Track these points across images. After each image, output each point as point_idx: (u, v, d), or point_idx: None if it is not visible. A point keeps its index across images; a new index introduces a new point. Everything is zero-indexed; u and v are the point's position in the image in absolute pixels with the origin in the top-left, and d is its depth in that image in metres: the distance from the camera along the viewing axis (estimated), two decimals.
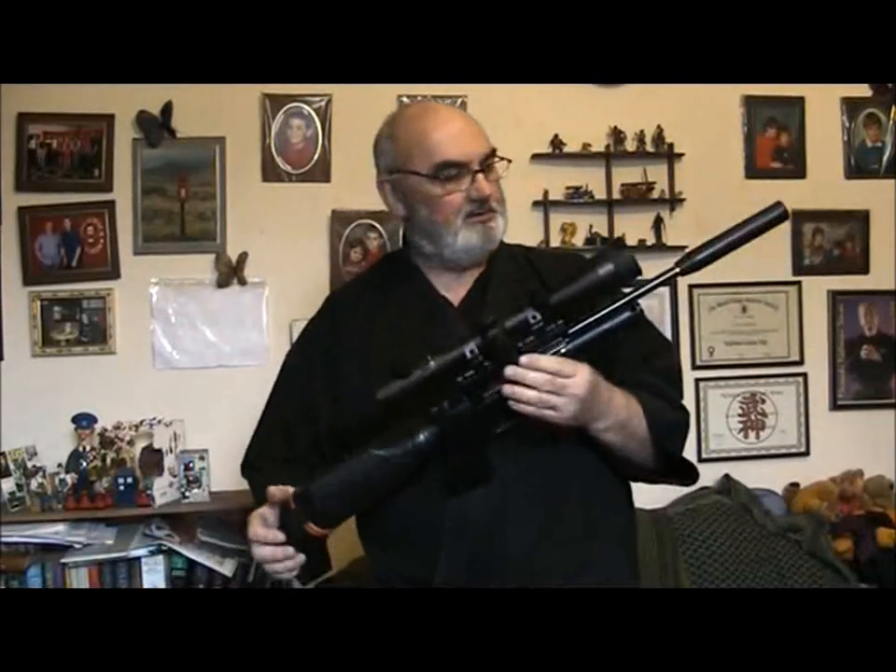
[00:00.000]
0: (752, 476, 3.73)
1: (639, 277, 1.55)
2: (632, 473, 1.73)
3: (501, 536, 1.59)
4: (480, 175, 1.68)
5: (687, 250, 1.56)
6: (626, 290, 1.55)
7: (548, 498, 1.62)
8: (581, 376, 1.49)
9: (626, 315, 1.53)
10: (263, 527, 1.58)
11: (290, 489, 1.55)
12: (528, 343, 1.50)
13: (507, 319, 1.50)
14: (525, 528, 1.60)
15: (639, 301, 1.55)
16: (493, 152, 1.72)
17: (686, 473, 1.75)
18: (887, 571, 3.39)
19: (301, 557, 1.58)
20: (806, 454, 3.90)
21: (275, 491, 1.58)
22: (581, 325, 1.52)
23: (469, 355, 1.50)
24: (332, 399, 1.75)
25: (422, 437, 1.52)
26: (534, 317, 1.50)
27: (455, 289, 1.75)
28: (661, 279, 1.58)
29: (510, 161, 1.73)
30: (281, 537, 1.56)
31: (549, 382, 1.48)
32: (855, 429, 3.90)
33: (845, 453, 3.84)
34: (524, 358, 1.48)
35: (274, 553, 1.58)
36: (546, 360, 1.48)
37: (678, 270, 1.56)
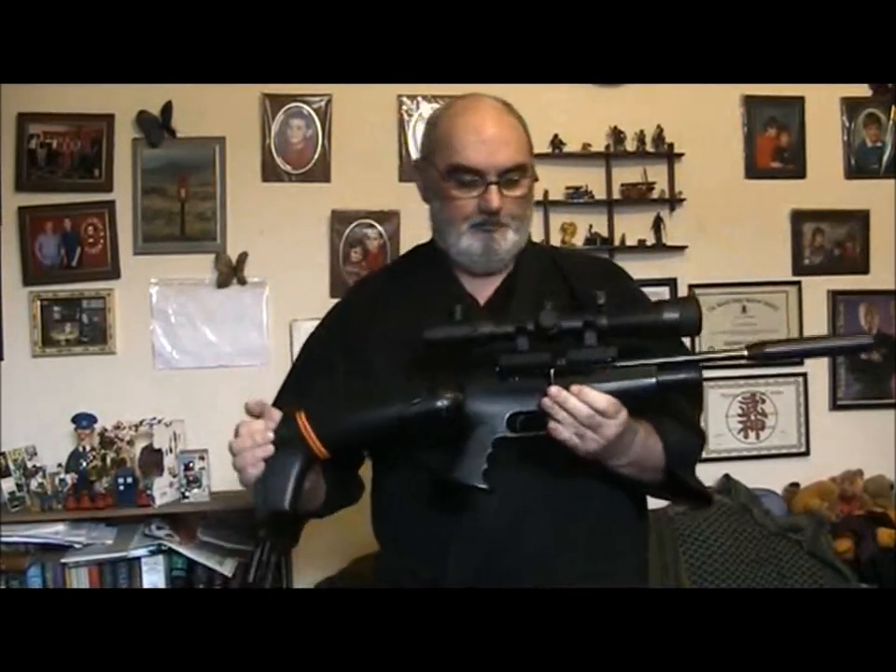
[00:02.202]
0: (752, 476, 3.73)
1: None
2: (642, 491, 1.73)
3: (513, 542, 1.59)
4: (493, 188, 1.63)
5: (763, 342, 1.53)
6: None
7: (561, 507, 1.61)
8: (619, 420, 1.48)
9: (687, 375, 1.52)
10: (257, 425, 1.60)
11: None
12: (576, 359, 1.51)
13: (566, 322, 1.50)
14: (537, 535, 1.59)
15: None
16: (519, 167, 1.66)
17: (699, 498, 1.74)
18: (887, 571, 3.39)
19: (271, 448, 1.57)
20: (807, 454, 3.90)
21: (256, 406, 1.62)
22: (632, 364, 1.51)
23: (524, 341, 1.50)
24: (348, 375, 1.73)
25: (441, 402, 1.51)
26: (591, 337, 1.50)
27: (481, 288, 1.73)
28: (724, 356, 1.55)
29: (536, 179, 1.72)
30: (270, 437, 1.57)
31: (589, 417, 1.46)
32: (855, 429, 3.90)
33: (845, 453, 3.84)
34: (575, 388, 1.47)
35: (254, 445, 1.60)
36: (596, 396, 1.46)
37: (745, 354, 1.51)
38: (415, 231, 3.53)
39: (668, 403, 1.65)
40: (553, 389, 1.47)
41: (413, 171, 1.82)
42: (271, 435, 1.56)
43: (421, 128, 3.58)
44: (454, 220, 1.69)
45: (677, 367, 1.52)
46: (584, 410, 1.46)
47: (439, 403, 1.50)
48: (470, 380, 1.53)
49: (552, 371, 1.50)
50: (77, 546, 3.17)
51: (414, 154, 3.63)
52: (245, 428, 1.60)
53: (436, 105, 3.62)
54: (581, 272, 1.74)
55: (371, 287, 1.88)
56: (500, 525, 1.58)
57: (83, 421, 3.27)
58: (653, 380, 1.49)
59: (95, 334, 3.47)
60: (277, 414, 1.56)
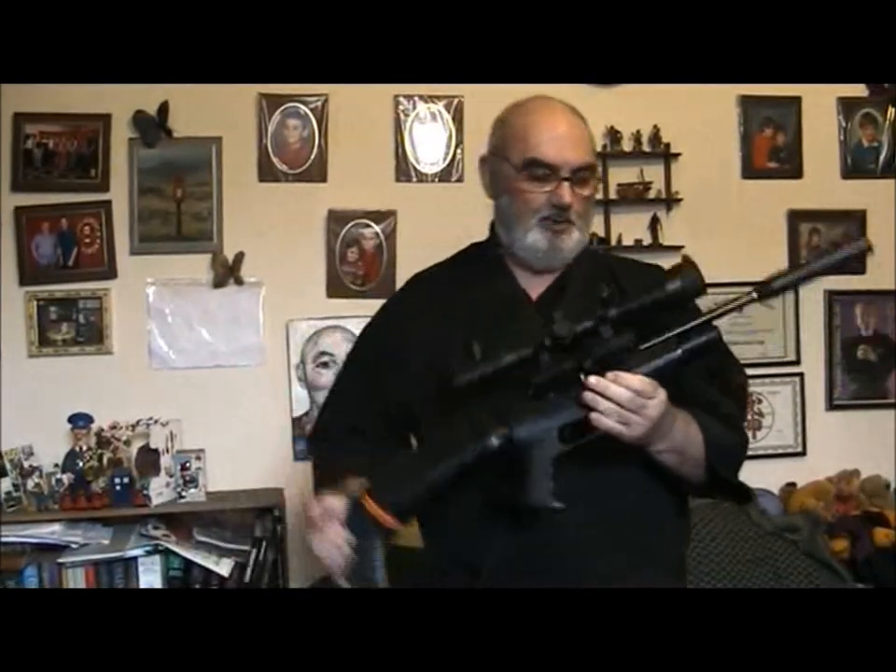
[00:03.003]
0: (749, 476, 3.68)
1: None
2: (683, 488, 1.75)
3: (555, 535, 1.59)
4: (565, 184, 1.67)
5: (768, 279, 1.56)
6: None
7: (603, 503, 1.62)
8: (659, 398, 1.51)
9: (707, 337, 1.55)
10: (329, 521, 1.56)
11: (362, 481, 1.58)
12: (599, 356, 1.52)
13: (579, 326, 1.52)
14: (580, 530, 1.60)
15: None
16: (589, 166, 1.71)
17: (739, 494, 1.82)
18: (883, 571, 3.39)
19: (350, 546, 1.56)
20: (803, 453, 3.90)
21: (353, 483, 1.59)
22: (653, 343, 1.53)
23: (546, 356, 1.52)
24: (402, 374, 1.76)
25: (493, 440, 1.53)
26: (606, 331, 1.52)
27: (535, 284, 1.76)
28: (737, 305, 1.58)
29: (600, 180, 1.75)
30: (345, 534, 1.55)
31: (631, 399, 1.49)
32: (852, 429, 3.90)
33: (841, 453, 3.85)
34: (610, 375, 1.49)
35: (334, 547, 1.56)
36: (632, 378, 1.49)
37: (755, 296, 1.55)
38: (412, 230, 3.56)
39: (718, 406, 1.70)
40: (592, 379, 1.49)
41: (480, 166, 1.81)
42: (347, 536, 1.56)
43: (417, 128, 3.64)
44: (522, 214, 1.70)
45: (695, 332, 1.54)
46: (625, 393, 1.49)
47: (491, 442, 1.52)
48: (511, 408, 1.55)
49: (581, 374, 1.52)
50: (73, 546, 3.17)
51: (412, 154, 3.64)
52: (321, 539, 1.59)
53: (433, 105, 3.64)
54: (631, 275, 1.78)
55: (427, 285, 1.88)
56: (543, 519, 1.58)
57: (79, 421, 3.27)
58: (678, 351, 1.52)
59: (92, 334, 3.47)
60: (341, 506, 1.56)
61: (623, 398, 1.49)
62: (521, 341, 1.57)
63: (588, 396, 1.50)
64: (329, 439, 1.87)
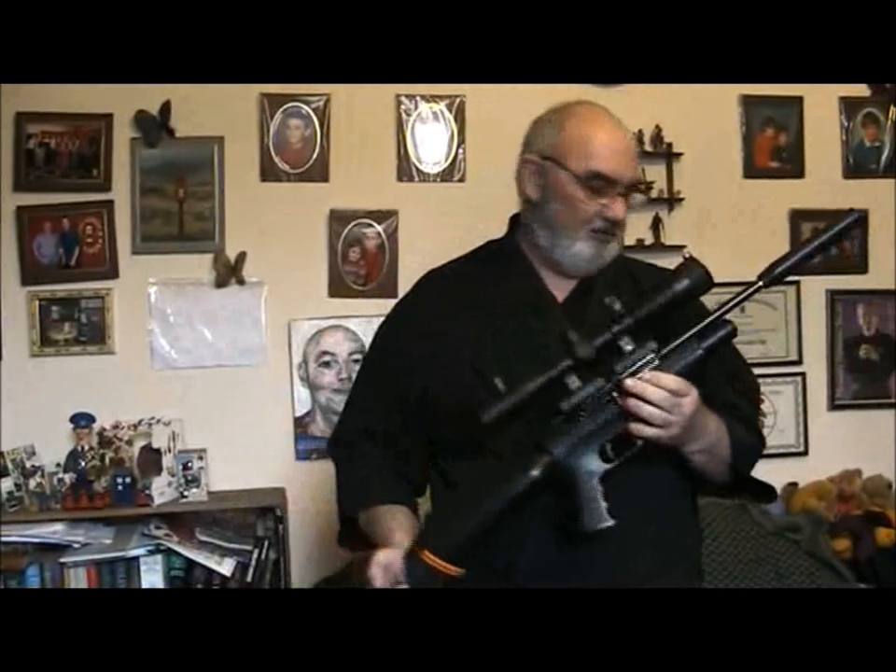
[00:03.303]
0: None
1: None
2: (705, 489, 1.79)
3: (587, 539, 1.58)
4: (621, 199, 1.70)
5: (771, 266, 1.61)
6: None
7: (634, 505, 1.62)
8: (692, 396, 1.53)
9: (724, 331, 1.58)
10: (389, 576, 1.54)
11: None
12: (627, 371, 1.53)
13: (598, 341, 1.53)
14: (612, 533, 1.58)
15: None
16: (639, 181, 1.80)
17: (763, 493, 1.89)
18: (885, 571, 3.39)
19: None
20: (805, 453, 3.90)
21: (402, 537, 1.60)
22: (675, 345, 1.55)
23: (572, 377, 1.52)
24: (426, 378, 1.74)
25: (536, 472, 1.52)
26: (627, 343, 1.53)
27: (561, 286, 1.76)
28: (746, 294, 1.62)
29: (644, 193, 1.79)
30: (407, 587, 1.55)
31: (667, 399, 1.50)
32: (853, 429, 3.90)
33: (843, 452, 3.85)
34: (646, 375, 1.51)
35: None
36: (667, 378, 1.51)
37: (760, 284, 1.62)
38: (414, 230, 3.56)
39: (736, 408, 1.74)
40: (630, 382, 1.50)
41: (522, 167, 1.77)
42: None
43: (419, 127, 3.63)
44: (573, 223, 1.70)
45: (711, 328, 1.57)
46: (662, 394, 1.50)
47: (535, 475, 1.52)
48: (547, 435, 1.55)
49: (613, 393, 1.53)
50: (75, 546, 3.17)
51: (414, 154, 3.64)
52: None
53: (435, 105, 3.63)
54: (650, 278, 1.80)
55: (446, 284, 1.85)
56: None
57: (81, 420, 3.27)
58: (699, 350, 1.54)
59: (94, 334, 3.47)
60: (398, 562, 1.55)
61: (661, 398, 1.50)
62: (549, 343, 1.58)
63: (632, 403, 1.51)
64: (354, 444, 1.84)
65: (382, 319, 1.91)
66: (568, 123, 1.73)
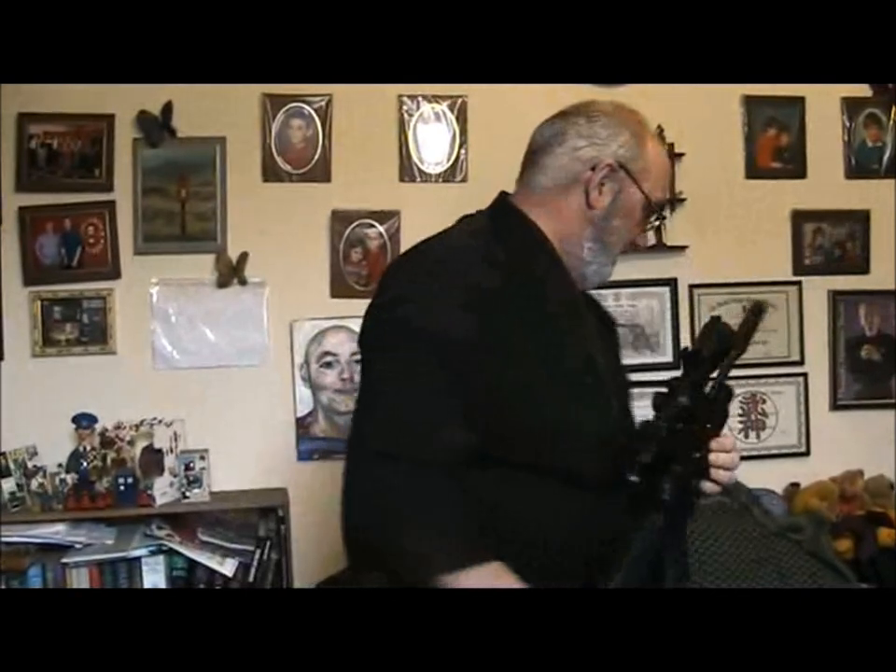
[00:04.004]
0: (753, 476, 3.72)
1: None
2: None
3: None
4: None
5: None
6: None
7: None
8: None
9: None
10: None
11: None
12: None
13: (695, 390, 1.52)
14: None
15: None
16: None
17: None
18: (887, 571, 3.39)
19: None
20: (807, 454, 3.90)
21: None
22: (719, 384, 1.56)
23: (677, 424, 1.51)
24: (486, 388, 1.49)
25: (651, 530, 1.50)
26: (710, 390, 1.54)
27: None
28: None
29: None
30: None
31: (734, 459, 1.58)
32: (855, 429, 3.90)
33: (845, 453, 3.85)
34: (722, 441, 1.57)
35: None
36: (730, 441, 1.59)
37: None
38: (416, 230, 3.54)
39: None
40: (728, 441, 1.57)
41: (604, 171, 1.61)
42: None
43: (421, 128, 3.63)
44: (619, 244, 1.67)
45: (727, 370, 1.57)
46: (734, 458, 1.58)
47: (651, 532, 1.48)
48: (662, 485, 1.50)
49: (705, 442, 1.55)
50: (77, 546, 3.17)
51: (416, 154, 3.64)
52: None
53: (437, 105, 3.63)
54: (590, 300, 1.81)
55: (490, 271, 1.55)
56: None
57: (83, 421, 3.28)
58: (731, 389, 1.56)
59: (96, 334, 3.47)
60: None
61: (735, 462, 1.58)
62: (587, 347, 1.60)
63: (724, 458, 1.56)
64: (400, 458, 1.42)
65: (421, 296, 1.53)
66: (650, 143, 1.65)
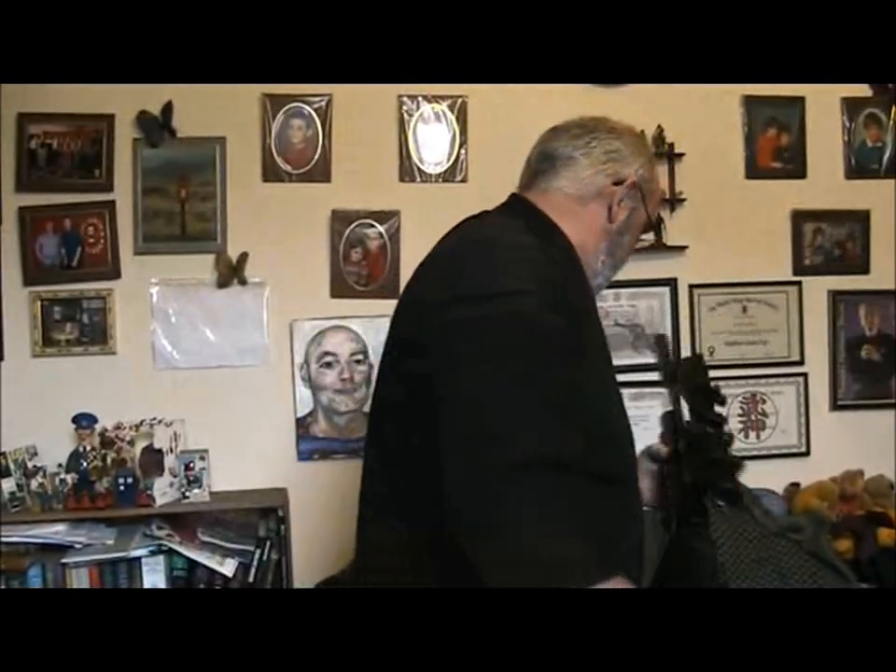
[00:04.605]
0: (753, 476, 3.70)
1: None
2: None
3: None
4: None
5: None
6: None
7: None
8: None
9: None
10: None
11: None
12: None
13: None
14: None
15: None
16: None
17: None
18: (887, 571, 3.39)
19: None
20: (807, 454, 3.90)
21: None
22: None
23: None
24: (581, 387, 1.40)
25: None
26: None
27: None
28: None
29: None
30: None
31: None
32: (855, 429, 3.90)
33: (845, 453, 3.85)
34: None
35: None
36: None
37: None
38: (416, 230, 3.56)
39: None
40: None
41: (625, 188, 1.64)
42: None
43: (421, 128, 3.64)
44: (623, 261, 1.72)
45: None
46: None
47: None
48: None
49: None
50: (77, 546, 3.17)
51: (416, 154, 3.64)
52: None
53: (437, 105, 3.64)
54: None
55: (556, 271, 1.51)
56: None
57: (83, 421, 3.28)
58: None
59: (96, 334, 3.47)
60: None
61: None
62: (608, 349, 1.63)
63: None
64: (567, 466, 1.30)
65: (516, 294, 1.41)
66: (651, 167, 1.71)
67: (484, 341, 1.37)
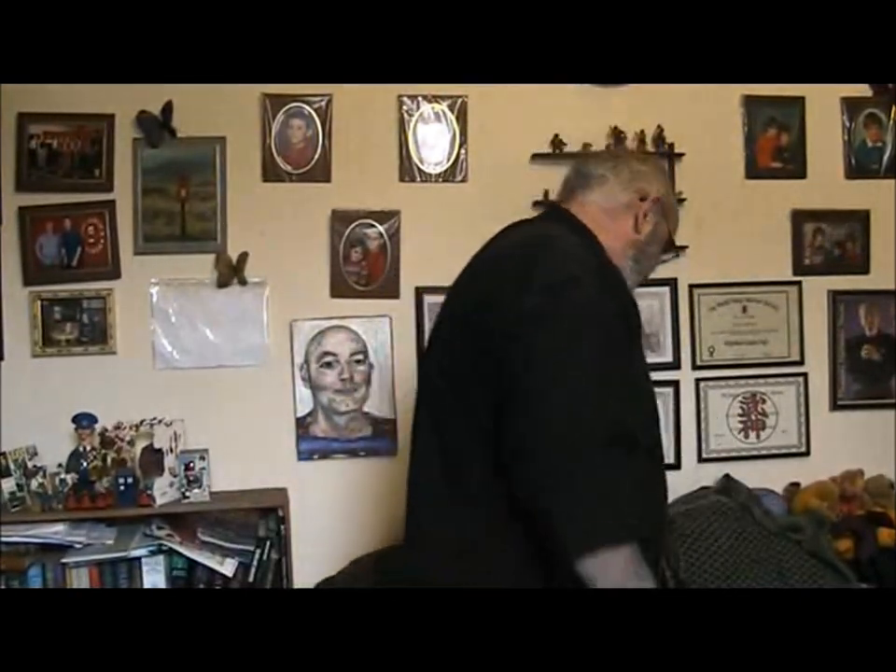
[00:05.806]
0: (753, 476, 3.73)
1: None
2: None
3: None
4: None
5: None
6: None
7: None
8: None
9: None
10: None
11: None
12: None
13: None
14: None
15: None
16: None
17: None
18: (887, 571, 3.39)
19: None
20: (807, 453, 3.90)
21: None
22: None
23: None
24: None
25: None
26: None
27: None
28: None
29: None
30: None
31: None
32: (855, 429, 3.90)
33: (845, 453, 3.85)
34: None
35: None
36: None
37: None
38: (416, 230, 3.56)
39: None
40: None
41: (649, 204, 1.89)
42: None
43: (421, 128, 3.64)
44: (648, 270, 1.93)
45: None
46: None
47: None
48: None
49: None
50: (77, 546, 3.17)
51: (416, 154, 3.64)
52: None
53: (437, 105, 3.64)
54: None
55: (601, 271, 1.75)
56: None
57: (83, 421, 3.27)
58: None
59: (95, 334, 3.47)
60: None
61: None
62: None
63: None
64: (634, 440, 1.54)
65: (581, 284, 1.63)
66: (671, 187, 1.99)
67: (561, 327, 1.55)
